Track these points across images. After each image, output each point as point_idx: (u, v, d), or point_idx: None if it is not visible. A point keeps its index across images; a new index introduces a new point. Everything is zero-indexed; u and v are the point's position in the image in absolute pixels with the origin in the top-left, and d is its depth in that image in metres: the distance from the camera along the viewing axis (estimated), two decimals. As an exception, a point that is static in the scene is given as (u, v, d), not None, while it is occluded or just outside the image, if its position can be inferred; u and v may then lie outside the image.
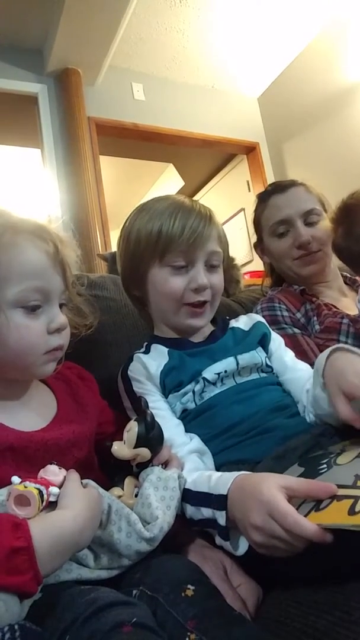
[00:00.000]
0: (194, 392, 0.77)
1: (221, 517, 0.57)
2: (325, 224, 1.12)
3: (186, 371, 0.78)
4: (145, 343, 0.88)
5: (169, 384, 0.78)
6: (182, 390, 0.77)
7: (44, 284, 0.60)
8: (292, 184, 1.14)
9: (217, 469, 0.71)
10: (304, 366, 0.86)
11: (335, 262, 1.18)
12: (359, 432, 0.63)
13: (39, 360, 0.61)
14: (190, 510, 0.64)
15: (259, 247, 1.21)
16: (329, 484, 0.49)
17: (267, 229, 1.14)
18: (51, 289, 0.61)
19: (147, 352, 0.85)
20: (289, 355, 0.89)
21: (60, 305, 0.65)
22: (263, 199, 1.17)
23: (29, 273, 0.59)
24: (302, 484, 0.52)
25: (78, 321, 0.76)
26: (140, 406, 0.70)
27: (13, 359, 0.60)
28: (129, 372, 0.82)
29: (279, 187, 1.14)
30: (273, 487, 0.51)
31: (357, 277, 1.27)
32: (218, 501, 0.58)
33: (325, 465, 0.57)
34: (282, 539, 0.48)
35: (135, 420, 0.62)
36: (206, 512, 0.61)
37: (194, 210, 0.79)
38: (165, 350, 0.82)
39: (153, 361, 0.81)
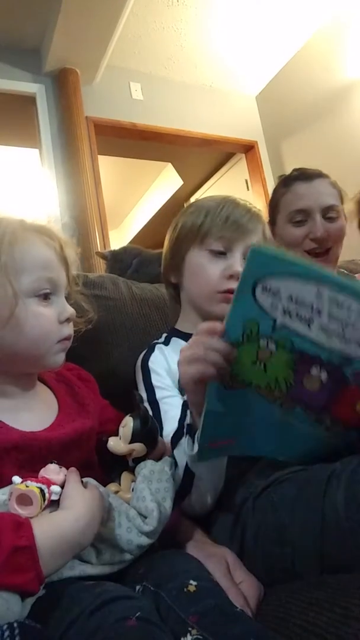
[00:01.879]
0: None
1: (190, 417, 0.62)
2: (342, 222, 1.12)
3: None
4: (165, 335, 0.89)
5: None
6: None
7: (53, 275, 0.64)
8: (319, 174, 1.14)
9: None
10: None
11: None
12: None
13: (52, 348, 0.64)
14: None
15: (271, 229, 1.19)
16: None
17: (284, 214, 1.13)
18: (59, 280, 0.65)
19: (166, 343, 0.86)
20: None
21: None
22: (286, 183, 1.16)
23: (40, 264, 0.62)
24: None
25: (77, 319, 0.77)
26: (135, 401, 0.70)
27: (29, 347, 0.62)
28: (149, 364, 0.82)
29: (304, 175, 1.13)
30: None
31: (356, 275, 1.28)
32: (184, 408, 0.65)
33: None
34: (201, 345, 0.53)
35: (130, 415, 0.63)
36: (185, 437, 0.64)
37: (241, 204, 0.84)
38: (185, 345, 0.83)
39: (174, 355, 0.81)
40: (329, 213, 1.10)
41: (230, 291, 0.82)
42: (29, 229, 0.64)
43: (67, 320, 0.65)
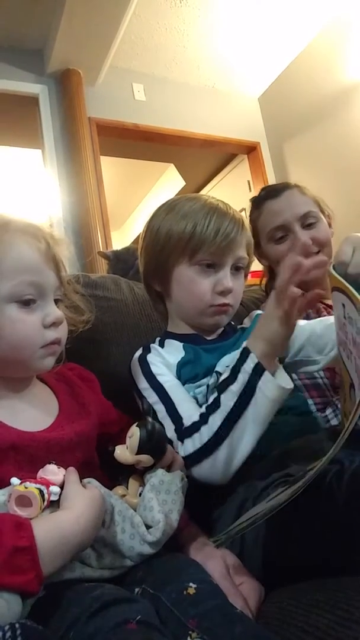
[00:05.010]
0: (208, 386, 0.78)
1: (250, 361, 0.67)
2: (324, 225, 1.11)
3: (201, 365, 0.79)
4: (159, 338, 0.89)
5: (185, 375, 0.79)
6: (198, 382, 0.78)
7: (37, 279, 0.61)
8: (286, 186, 1.12)
9: None
10: (308, 321, 0.89)
11: None
12: None
13: (36, 354, 0.62)
14: (223, 404, 0.68)
15: (257, 251, 1.20)
16: None
17: (264, 235, 1.13)
18: (45, 283, 0.62)
19: (161, 345, 0.86)
20: None
21: (56, 301, 0.65)
22: (257, 205, 1.15)
23: (21, 268, 0.60)
24: None
25: (75, 317, 0.77)
26: (142, 411, 0.70)
27: (10, 353, 0.61)
28: (148, 358, 0.82)
29: (273, 192, 1.12)
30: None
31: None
32: (242, 357, 0.68)
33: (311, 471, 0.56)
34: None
35: (137, 426, 0.62)
36: (239, 379, 0.67)
37: (228, 214, 0.81)
38: (180, 345, 0.84)
39: (170, 355, 0.82)
40: (307, 220, 1.09)
41: (222, 305, 0.82)
42: (10, 230, 0.62)
43: (54, 324, 0.63)
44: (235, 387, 0.67)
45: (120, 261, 1.60)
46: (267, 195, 1.13)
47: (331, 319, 0.84)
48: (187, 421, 0.72)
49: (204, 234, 0.78)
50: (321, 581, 0.53)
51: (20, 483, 0.50)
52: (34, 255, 0.62)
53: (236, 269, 0.84)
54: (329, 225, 1.16)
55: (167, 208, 0.86)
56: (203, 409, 0.71)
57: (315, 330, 0.84)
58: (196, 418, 0.70)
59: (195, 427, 0.70)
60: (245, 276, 0.91)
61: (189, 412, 0.73)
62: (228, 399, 0.67)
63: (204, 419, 0.69)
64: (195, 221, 0.79)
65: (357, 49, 3.00)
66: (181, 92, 3.57)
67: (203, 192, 4.57)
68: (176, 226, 0.81)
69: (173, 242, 0.81)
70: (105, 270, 1.87)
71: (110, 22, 2.68)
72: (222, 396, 0.68)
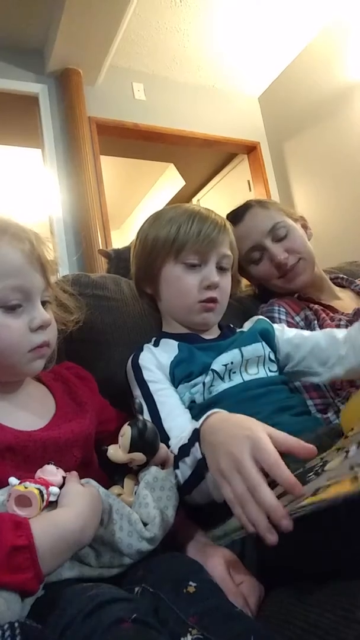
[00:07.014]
0: (204, 384, 0.78)
1: (197, 451, 0.60)
2: (296, 232, 1.11)
3: (196, 363, 0.80)
4: (154, 338, 0.90)
5: (179, 374, 0.80)
6: (193, 381, 0.79)
7: (22, 282, 0.60)
8: (246, 208, 1.13)
9: None
10: (313, 333, 0.89)
11: (319, 265, 1.17)
12: None
13: (23, 358, 0.61)
14: (179, 475, 0.64)
15: (243, 275, 1.19)
16: (311, 445, 0.50)
17: (242, 259, 1.13)
18: (31, 287, 0.61)
19: (156, 345, 0.88)
20: (294, 332, 0.91)
21: (44, 303, 0.64)
22: None
23: (5, 272, 0.58)
24: (285, 438, 0.53)
25: (65, 317, 0.76)
26: (134, 410, 0.69)
27: None
28: (140, 361, 0.83)
29: (235, 217, 1.12)
30: (260, 428, 0.53)
31: (357, 280, 1.26)
32: (192, 437, 0.61)
33: (313, 474, 0.56)
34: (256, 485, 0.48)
35: (128, 424, 0.62)
36: (187, 462, 0.63)
37: (209, 218, 0.86)
38: (175, 343, 0.85)
39: (164, 353, 0.84)
40: (276, 233, 1.08)
41: (209, 300, 0.84)
42: None
43: (41, 327, 0.61)
44: (189, 461, 0.64)
45: (122, 260, 1.59)
46: (231, 222, 1.14)
47: (336, 332, 0.85)
48: (173, 440, 0.71)
49: (187, 235, 0.83)
50: (322, 581, 0.52)
51: (20, 483, 0.50)
52: (17, 258, 0.60)
53: (221, 268, 0.87)
54: (305, 227, 1.16)
55: (153, 218, 0.92)
56: (184, 439, 0.67)
57: (320, 343, 0.85)
58: (183, 441, 0.67)
59: (176, 460, 0.67)
60: (233, 277, 0.92)
61: (175, 431, 0.72)
62: (184, 469, 0.65)
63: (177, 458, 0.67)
64: (179, 224, 0.84)
65: (357, 49, 3.00)
66: (181, 92, 3.57)
67: (203, 191, 4.58)
68: (162, 231, 0.86)
69: (160, 244, 0.86)
70: (105, 270, 1.86)
71: (111, 21, 2.68)
72: (181, 463, 0.65)
